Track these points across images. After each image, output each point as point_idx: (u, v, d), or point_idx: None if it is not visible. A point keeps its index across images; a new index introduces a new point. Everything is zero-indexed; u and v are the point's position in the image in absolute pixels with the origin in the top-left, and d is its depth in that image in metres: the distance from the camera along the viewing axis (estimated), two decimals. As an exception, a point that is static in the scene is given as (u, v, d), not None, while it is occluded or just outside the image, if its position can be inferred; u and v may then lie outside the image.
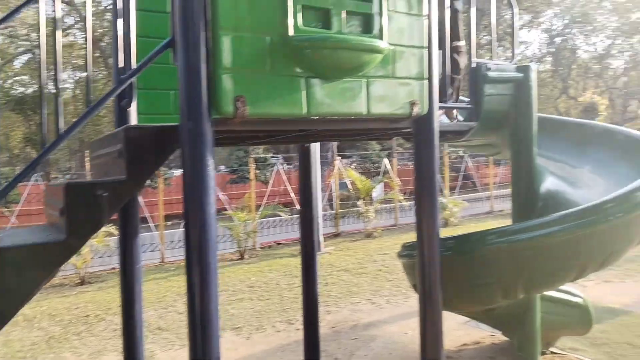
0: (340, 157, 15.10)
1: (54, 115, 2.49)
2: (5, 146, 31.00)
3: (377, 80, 2.66)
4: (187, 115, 2.20)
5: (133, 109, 3.19)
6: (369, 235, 12.22)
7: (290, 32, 2.36)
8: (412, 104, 2.79)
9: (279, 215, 12.16)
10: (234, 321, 6.18)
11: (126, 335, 3.39)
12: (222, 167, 29.14)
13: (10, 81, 26.37)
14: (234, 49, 2.24)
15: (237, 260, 10.22)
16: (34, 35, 22.00)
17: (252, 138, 3.39)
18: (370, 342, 5.37)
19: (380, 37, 2.62)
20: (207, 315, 2.23)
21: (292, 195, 13.76)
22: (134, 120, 3.25)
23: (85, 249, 9.02)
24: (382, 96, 2.69)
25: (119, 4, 2.86)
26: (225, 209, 11.81)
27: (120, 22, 2.86)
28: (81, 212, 2.13)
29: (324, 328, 5.41)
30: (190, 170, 2.23)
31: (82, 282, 8.82)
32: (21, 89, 26.70)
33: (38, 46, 2.63)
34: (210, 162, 2.24)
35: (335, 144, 15.48)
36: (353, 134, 3.85)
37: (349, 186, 13.99)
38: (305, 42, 2.39)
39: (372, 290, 7.43)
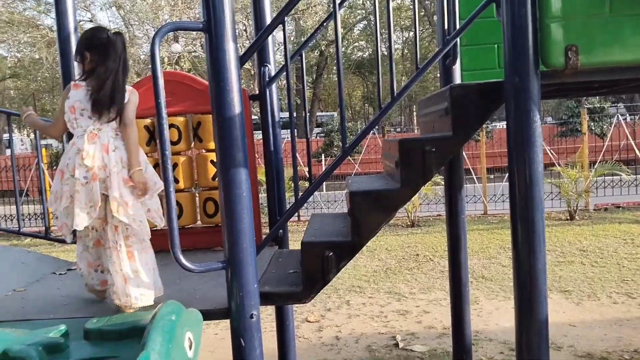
0: None
1: (389, 74, 2.67)
2: (348, 104, 35.83)
3: None
4: (511, 71, 2.17)
5: (457, 66, 3.30)
6: None
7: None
8: None
9: (618, 175, 10.72)
10: (562, 283, 5.88)
11: (452, 279, 3.62)
12: (549, 119, 27.16)
13: (350, 47, 30.00)
14: (564, -5, 2.09)
15: (566, 220, 9.56)
16: (368, 3, 24.28)
17: (583, 90, 3.11)
18: None
19: None
20: (535, 274, 2.22)
21: (638, 151, 11.90)
22: (458, 77, 3.36)
23: (415, 195, 9.89)
24: None
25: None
26: (552, 164, 11.09)
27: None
28: (413, 165, 2.36)
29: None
30: (515, 126, 2.21)
31: (412, 225, 9.78)
32: (359, 54, 30.05)
33: (372, 13, 2.92)
34: (537, 119, 2.17)
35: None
36: None
37: None
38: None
39: None
